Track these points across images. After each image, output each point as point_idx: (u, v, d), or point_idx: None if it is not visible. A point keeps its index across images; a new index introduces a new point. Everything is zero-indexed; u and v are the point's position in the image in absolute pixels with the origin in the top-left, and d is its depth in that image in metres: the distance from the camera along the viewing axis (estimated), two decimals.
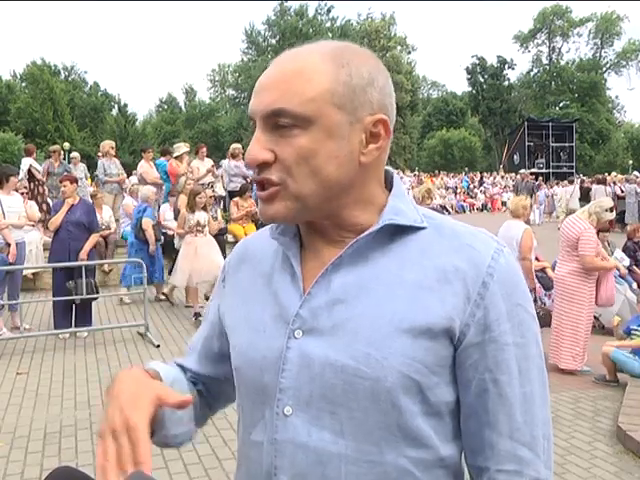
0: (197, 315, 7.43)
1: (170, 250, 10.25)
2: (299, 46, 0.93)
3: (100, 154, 12.07)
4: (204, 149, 11.63)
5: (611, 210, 5.89)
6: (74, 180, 7.24)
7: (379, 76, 0.92)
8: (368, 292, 0.90)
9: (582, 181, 26.10)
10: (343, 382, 0.87)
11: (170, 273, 8.45)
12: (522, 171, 17.85)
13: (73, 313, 6.95)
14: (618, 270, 8.61)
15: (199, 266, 7.34)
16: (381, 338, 0.87)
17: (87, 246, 6.95)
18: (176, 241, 8.05)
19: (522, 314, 0.91)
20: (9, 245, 6.78)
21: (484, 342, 0.89)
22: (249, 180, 10.59)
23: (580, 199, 19.67)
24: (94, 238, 7.13)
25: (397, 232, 0.93)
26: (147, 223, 8.48)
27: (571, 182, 21.95)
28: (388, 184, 0.99)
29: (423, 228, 0.94)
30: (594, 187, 20.89)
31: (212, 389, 1.15)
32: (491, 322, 0.88)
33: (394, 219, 0.92)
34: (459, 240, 0.92)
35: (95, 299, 7.00)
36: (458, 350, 0.89)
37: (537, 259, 8.02)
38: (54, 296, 6.96)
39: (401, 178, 22.33)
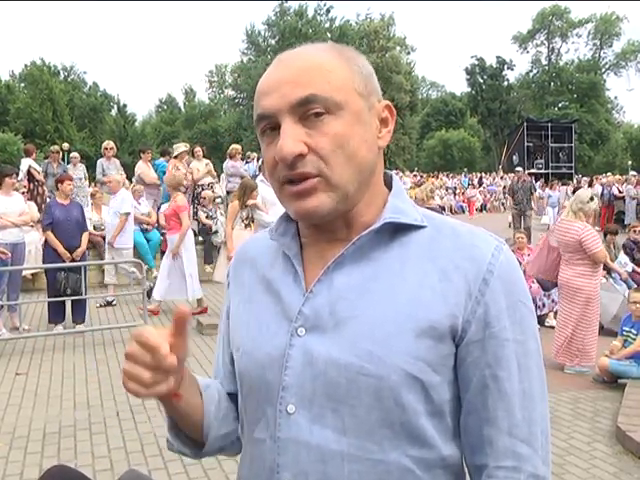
0: None
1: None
2: (299, 47, 0.95)
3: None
4: (198, 149, 11.65)
5: (591, 199, 5.85)
6: (73, 180, 7.53)
7: (371, 69, 0.98)
8: (371, 290, 0.91)
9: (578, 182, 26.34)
10: (346, 380, 0.88)
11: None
12: (518, 169, 16.25)
13: (67, 308, 7.14)
14: (619, 274, 8.65)
15: None
16: (384, 336, 0.88)
17: (84, 245, 7.22)
18: (219, 237, 7.92)
19: (522, 310, 0.92)
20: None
21: (484, 338, 0.89)
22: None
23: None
24: (86, 237, 7.33)
25: (398, 230, 0.94)
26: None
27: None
28: (387, 184, 1.01)
29: (423, 227, 0.95)
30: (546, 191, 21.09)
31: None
32: (491, 318, 0.89)
33: (395, 217, 0.94)
34: (459, 239, 0.93)
35: (80, 298, 7.06)
36: (459, 347, 0.90)
37: None
38: (48, 290, 7.09)
39: (400, 178, 22.22)
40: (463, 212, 27.36)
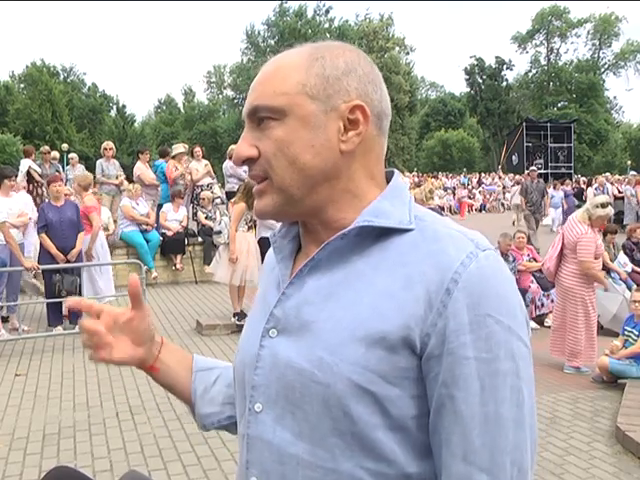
0: (236, 315, 7.18)
1: (170, 250, 10.27)
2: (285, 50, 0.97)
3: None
4: (198, 149, 11.64)
5: (602, 206, 5.84)
6: (64, 181, 7.39)
7: (358, 67, 0.93)
8: (337, 295, 0.89)
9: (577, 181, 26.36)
10: (300, 385, 0.88)
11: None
12: (532, 168, 15.20)
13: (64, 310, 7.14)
14: (618, 274, 8.66)
15: (252, 264, 7.05)
16: (336, 344, 0.86)
17: (79, 245, 7.14)
18: (222, 237, 7.84)
19: (492, 326, 0.82)
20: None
21: (443, 354, 0.83)
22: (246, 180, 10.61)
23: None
24: (82, 238, 7.27)
25: (382, 234, 0.90)
26: None
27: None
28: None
29: (409, 230, 0.90)
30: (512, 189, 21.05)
31: None
32: (450, 332, 0.82)
33: (371, 221, 0.89)
34: (436, 244, 0.87)
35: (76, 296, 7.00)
36: (422, 361, 0.84)
37: (535, 260, 8.04)
38: (46, 292, 7.06)
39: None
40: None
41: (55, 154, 13.19)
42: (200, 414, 1.17)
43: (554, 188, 20.17)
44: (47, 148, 12.38)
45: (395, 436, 0.85)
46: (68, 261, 7.00)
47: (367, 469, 0.85)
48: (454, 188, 30.88)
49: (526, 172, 16.62)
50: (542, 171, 36.99)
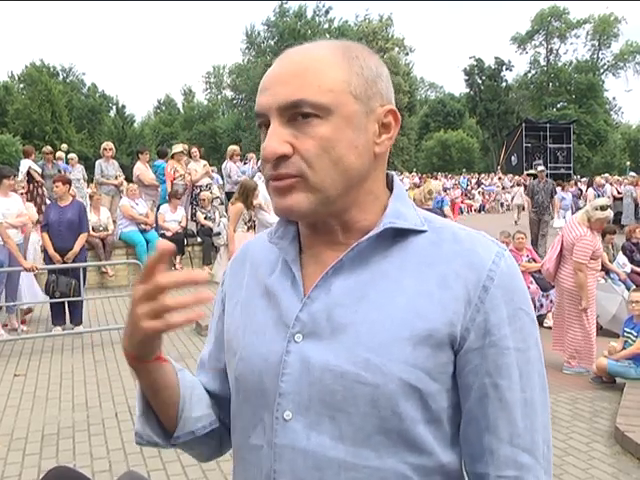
0: None
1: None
2: (303, 44, 0.94)
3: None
4: (195, 150, 11.65)
5: (602, 208, 5.86)
6: (67, 181, 7.36)
7: (383, 70, 0.95)
8: (368, 297, 0.90)
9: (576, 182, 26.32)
10: (343, 388, 0.87)
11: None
12: (540, 169, 14.69)
13: (66, 310, 7.15)
14: (617, 275, 8.67)
15: None
16: (381, 344, 0.87)
17: (77, 247, 7.08)
18: (222, 239, 7.77)
19: (523, 318, 0.90)
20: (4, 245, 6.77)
21: (484, 346, 0.88)
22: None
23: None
24: (82, 239, 7.21)
25: (398, 235, 0.93)
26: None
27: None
28: (389, 186, 0.99)
29: (423, 232, 0.93)
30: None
31: (224, 408, 1.08)
32: (491, 326, 0.88)
33: (395, 222, 0.92)
34: (460, 244, 0.92)
35: (75, 298, 7.00)
36: (458, 355, 0.89)
37: (534, 260, 8.04)
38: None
39: (401, 179, 21.89)
40: (462, 213, 27.30)
41: (61, 154, 13.22)
42: (191, 417, 1.03)
43: (562, 189, 19.93)
44: (50, 148, 12.39)
45: (431, 428, 0.89)
46: (65, 262, 6.97)
47: (410, 463, 0.88)
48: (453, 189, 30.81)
49: (525, 173, 16.39)
50: None
